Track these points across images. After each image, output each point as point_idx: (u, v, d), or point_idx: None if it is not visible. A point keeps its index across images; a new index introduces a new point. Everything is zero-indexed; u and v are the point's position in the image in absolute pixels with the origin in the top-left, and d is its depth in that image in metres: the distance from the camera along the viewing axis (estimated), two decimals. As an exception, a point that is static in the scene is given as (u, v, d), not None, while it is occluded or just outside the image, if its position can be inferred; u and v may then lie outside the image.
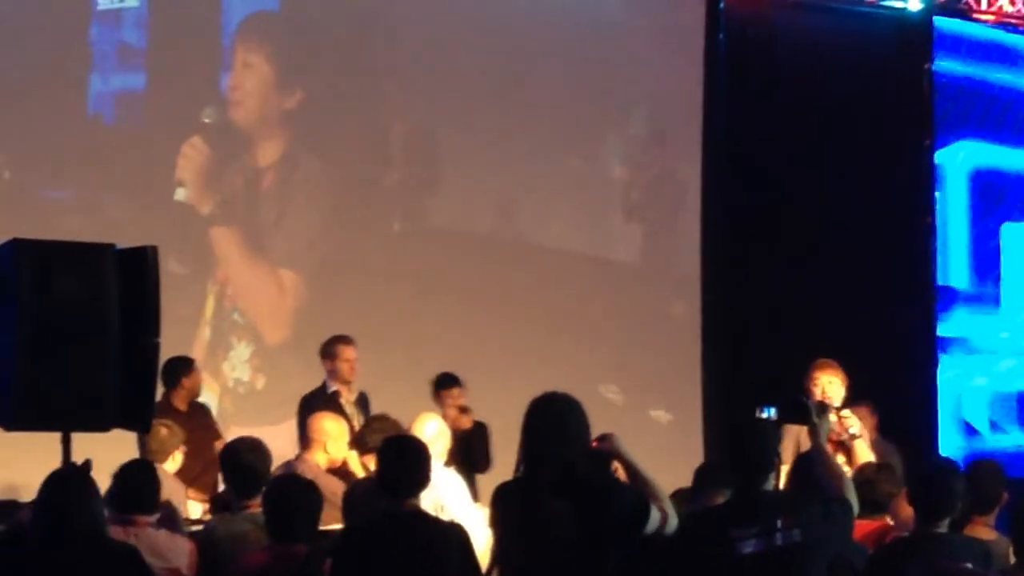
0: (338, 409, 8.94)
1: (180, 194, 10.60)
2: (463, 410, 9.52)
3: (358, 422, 8.89)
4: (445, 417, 9.14)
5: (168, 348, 10.13)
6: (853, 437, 8.16)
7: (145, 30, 10.69)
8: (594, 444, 5.27)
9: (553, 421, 5.24)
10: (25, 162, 10.24)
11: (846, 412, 8.33)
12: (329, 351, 9.46)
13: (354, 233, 11.18)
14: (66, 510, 5.23)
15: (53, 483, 5.37)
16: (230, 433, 9.44)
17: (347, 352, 9.41)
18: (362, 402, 9.43)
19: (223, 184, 10.77)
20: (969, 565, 5.28)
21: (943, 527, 5.30)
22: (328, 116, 11.10)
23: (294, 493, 5.79)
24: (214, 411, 9.92)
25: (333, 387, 9.36)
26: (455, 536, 5.56)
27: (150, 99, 10.71)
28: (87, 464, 5.50)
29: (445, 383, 9.64)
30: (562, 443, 5.20)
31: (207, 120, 10.70)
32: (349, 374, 9.38)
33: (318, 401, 9.13)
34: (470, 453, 9.28)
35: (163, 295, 10.10)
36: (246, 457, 6.50)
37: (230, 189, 10.81)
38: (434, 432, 7.61)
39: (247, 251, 10.89)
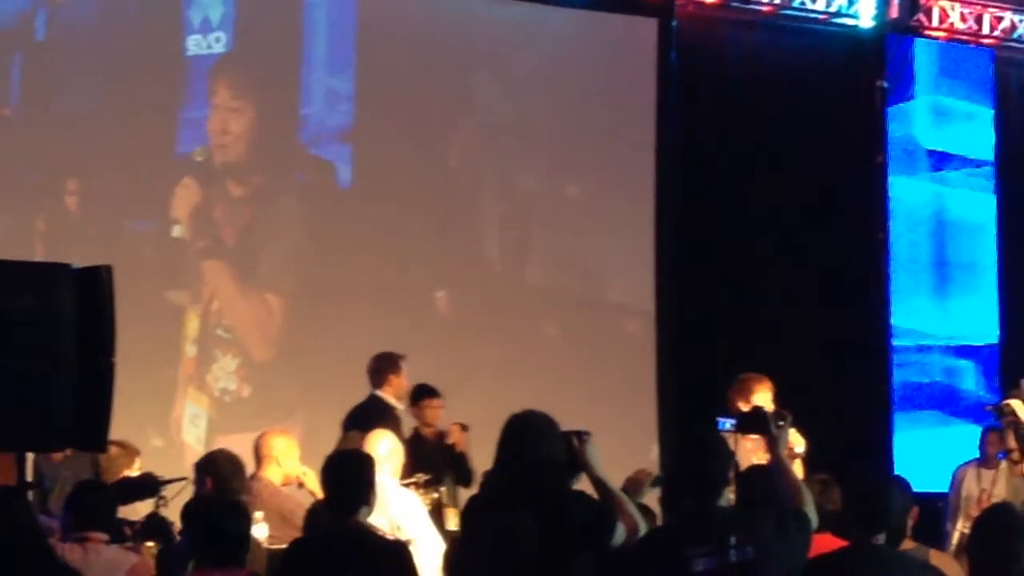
0: None
1: (176, 231, 10.99)
2: (464, 428, 9.39)
3: None
4: (422, 427, 9.28)
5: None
6: (796, 456, 8.18)
7: (232, 76, 11.14)
8: (572, 438, 5.31)
9: (529, 437, 5.27)
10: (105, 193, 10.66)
11: (792, 430, 8.33)
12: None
13: (326, 258, 11.37)
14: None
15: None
16: (217, 441, 9.80)
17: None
18: None
19: (212, 218, 11.12)
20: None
21: (880, 540, 5.22)
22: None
23: (216, 516, 5.45)
24: (203, 421, 10.33)
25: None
26: (397, 554, 5.51)
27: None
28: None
29: (424, 394, 9.52)
30: (533, 458, 5.23)
31: (199, 159, 11.02)
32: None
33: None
34: (460, 468, 9.27)
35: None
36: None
37: (218, 222, 11.16)
38: (387, 451, 7.53)
39: (236, 277, 11.18)
